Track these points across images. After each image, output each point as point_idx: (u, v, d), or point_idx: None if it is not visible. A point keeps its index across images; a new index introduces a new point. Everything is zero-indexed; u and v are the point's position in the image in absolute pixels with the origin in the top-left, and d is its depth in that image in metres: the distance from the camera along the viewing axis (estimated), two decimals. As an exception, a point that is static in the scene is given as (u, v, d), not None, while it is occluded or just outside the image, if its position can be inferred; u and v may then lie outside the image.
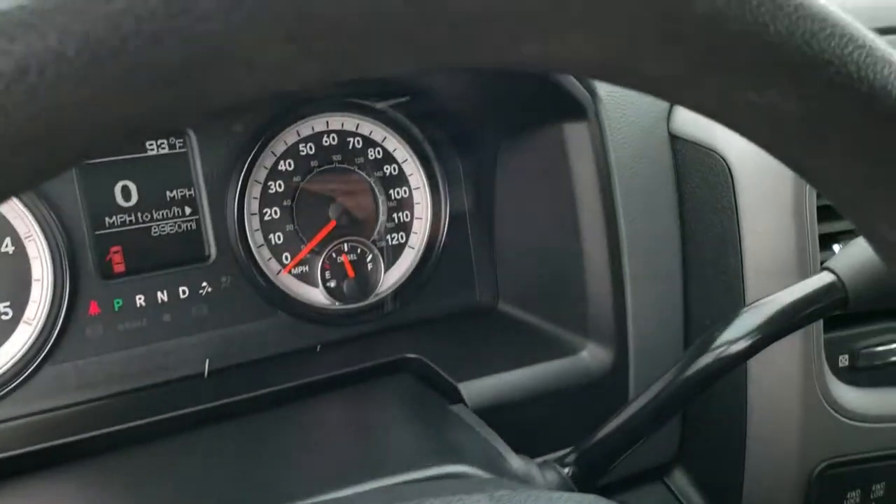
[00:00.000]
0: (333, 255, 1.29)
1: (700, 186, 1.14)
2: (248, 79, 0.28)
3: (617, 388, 1.15)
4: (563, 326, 1.23)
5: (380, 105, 1.27)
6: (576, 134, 1.12)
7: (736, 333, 0.87)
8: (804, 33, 0.34)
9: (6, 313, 1.09)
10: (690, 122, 1.13)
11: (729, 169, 1.09)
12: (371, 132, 1.31)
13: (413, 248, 1.35)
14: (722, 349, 0.87)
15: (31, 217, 1.09)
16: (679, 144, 1.15)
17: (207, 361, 1.18)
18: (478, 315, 1.37)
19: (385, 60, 0.31)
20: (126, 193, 1.16)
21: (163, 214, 1.18)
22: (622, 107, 1.12)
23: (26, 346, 1.09)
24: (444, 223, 1.36)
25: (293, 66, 0.28)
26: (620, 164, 1.12)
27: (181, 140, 1.19)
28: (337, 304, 1.29)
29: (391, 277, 1.34)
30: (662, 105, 1.15)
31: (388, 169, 1.33)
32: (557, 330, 1.23)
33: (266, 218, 1.24)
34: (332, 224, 1.27)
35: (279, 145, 1.25)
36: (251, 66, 0.27)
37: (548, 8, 0.31)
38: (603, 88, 1.10)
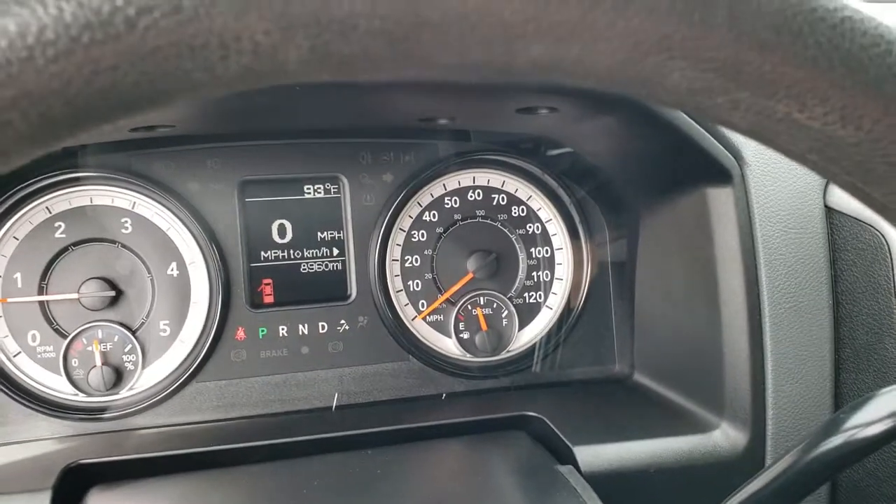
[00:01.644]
0: (469, 307, 1.30)
1: (855, 263, 1.05)
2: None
3: (749, 472, 1.06)
4: (697, 403, 1.16)
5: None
6: (719, 199, 1.07)
7: (869, 417, 0.78)
8: None
9: (164, 330, 1.20)
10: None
11: (887, 244, 1.00)
12: (517, 190, 1.33)
13: (551, 309, 1.34)
14: (852, 432, 0.79)
15: (196, 245, 1.20)
16: (836, 218, 1.07)
17: (336, 396, 1.22)
18: (611, 383, 1.32)
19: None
20: (282, 231, 1.25)
21: (312, 253, 1.26)
22: (772, 173, 1.06)
23: (177, 363, 1.20)
24: (585, 286, 1.34)
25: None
26: (767, 233, 1.06)
27: (336, 186, 1.27)
28: (468, 356, 1.30)
29: (526, 336, 1.33)
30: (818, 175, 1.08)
31: (531, 227, 1.34)
32: (692, 406, 1.16)
33: (406, 265, 1.29)
34: (470, 276, 1.30)
35: (425, 197, 1.30)
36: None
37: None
38: (750, 151, 1.05)
